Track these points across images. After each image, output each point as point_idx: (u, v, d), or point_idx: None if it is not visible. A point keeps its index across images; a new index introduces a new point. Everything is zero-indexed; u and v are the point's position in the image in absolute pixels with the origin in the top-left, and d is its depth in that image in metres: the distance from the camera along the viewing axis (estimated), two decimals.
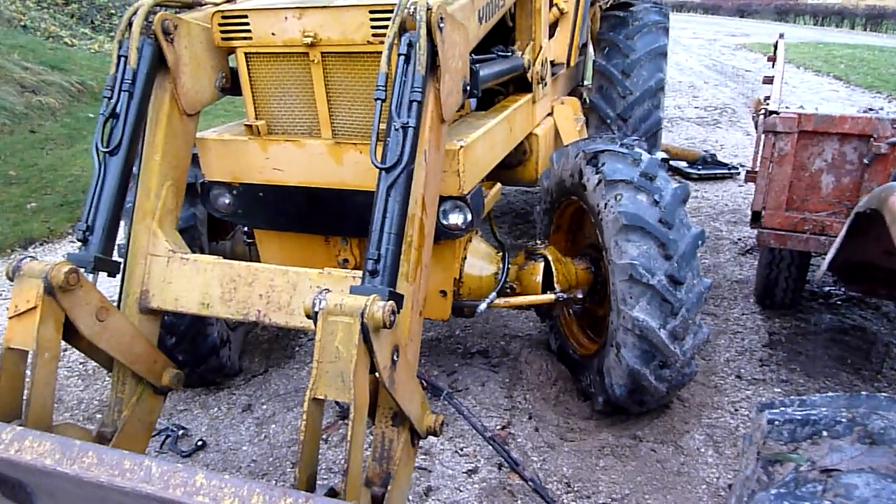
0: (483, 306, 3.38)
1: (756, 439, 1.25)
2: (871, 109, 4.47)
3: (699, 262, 3.22)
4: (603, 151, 3.34)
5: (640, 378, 3.17)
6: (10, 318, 2.12)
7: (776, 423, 1.21)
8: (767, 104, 3.95)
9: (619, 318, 3.16)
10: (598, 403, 3.53)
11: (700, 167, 7.94)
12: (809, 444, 1.18)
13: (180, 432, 3.51)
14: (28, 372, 2.10)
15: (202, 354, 3.68)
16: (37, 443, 1.71)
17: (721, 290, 5.14)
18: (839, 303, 4.94)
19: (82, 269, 2.22)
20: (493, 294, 3.43)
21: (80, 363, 4.21)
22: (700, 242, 3.19)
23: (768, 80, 5.05)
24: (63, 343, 2.21)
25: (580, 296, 3.60)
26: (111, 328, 2.33)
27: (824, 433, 1.19)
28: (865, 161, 3.54)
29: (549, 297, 3.52)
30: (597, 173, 3.27)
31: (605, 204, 3.19)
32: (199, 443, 3.45)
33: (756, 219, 3.88)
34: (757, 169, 3.84)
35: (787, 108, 3.80)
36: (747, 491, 1.18)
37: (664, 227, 3.10)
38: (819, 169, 3.61)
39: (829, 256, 2.85)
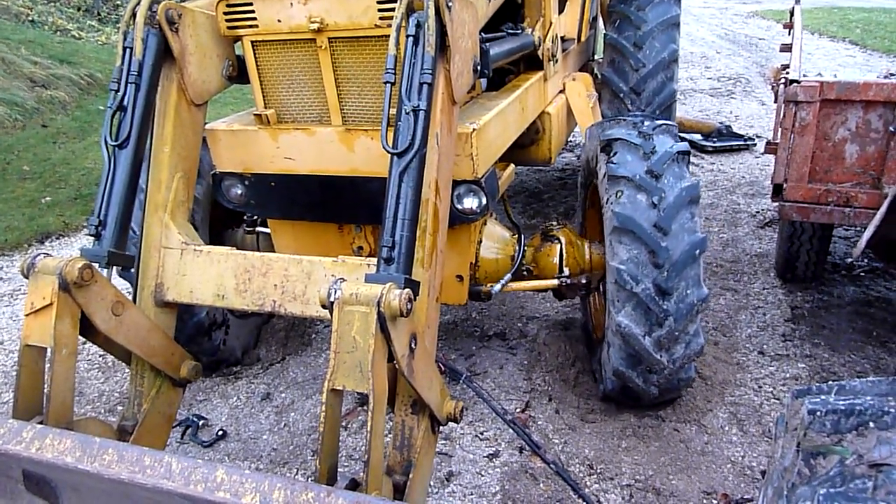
0: (497, 288, 3.35)
1: (794, 428, 1.20)
2: (892, 75, 4.34)
3: (700, 271, 2.99)
4: (617, 140, 3.18)
5: (626, 380, 3.12)
6: (27, 315, 2.12)
7: (818, 413, 1.14)
8: (787, 73, 3.84)
9: (608, 317, 3.09)
10: (600, 391, 3.47)
11: (715, 139, 7.81)
12: (855, 435, 1.12)
13: (201, 422, 3.53)
14: (47, 368, 2.11)
15: (189, 333, 3.52)
16: (57, 440, 1.71)
17: (740, 265, 5.06)
18: (863, 274, 4.85)
19: (96, 265, 2.22)
20: (508, 276, 3.40)
21: (100, 356, 4.24)
22: (699, 251, 2.96)
23: (786, 48, 4.91)
24: (81, 338, 2.22)
25: (584, 281, 3.51)
26: (127, 322, 2.33)
27: (871, 424, 1.12)
28: (891, 129, 3.43)
29: (553, 282, 3.47)
30: (606, 163, 3.14)
31: (608, 199, 3.08)
32: (220, 432, 3.46)
33: (777, 192, 3.78)
34: (777, 140, 3.74)
35: (805, 76, 3.69)
36: (786, 483, 1.13)
37: (658, 233, 2.92)
38: (842, 138, 3.50)
39: (867, 234, 2.75)
